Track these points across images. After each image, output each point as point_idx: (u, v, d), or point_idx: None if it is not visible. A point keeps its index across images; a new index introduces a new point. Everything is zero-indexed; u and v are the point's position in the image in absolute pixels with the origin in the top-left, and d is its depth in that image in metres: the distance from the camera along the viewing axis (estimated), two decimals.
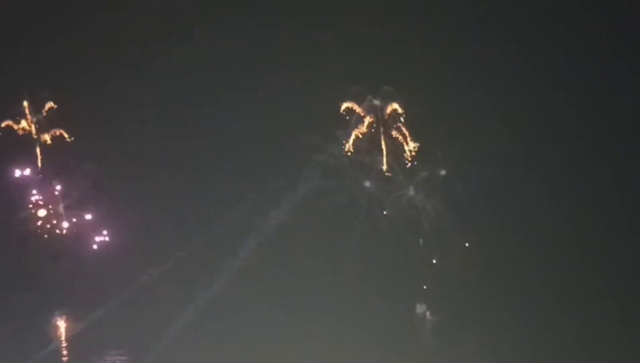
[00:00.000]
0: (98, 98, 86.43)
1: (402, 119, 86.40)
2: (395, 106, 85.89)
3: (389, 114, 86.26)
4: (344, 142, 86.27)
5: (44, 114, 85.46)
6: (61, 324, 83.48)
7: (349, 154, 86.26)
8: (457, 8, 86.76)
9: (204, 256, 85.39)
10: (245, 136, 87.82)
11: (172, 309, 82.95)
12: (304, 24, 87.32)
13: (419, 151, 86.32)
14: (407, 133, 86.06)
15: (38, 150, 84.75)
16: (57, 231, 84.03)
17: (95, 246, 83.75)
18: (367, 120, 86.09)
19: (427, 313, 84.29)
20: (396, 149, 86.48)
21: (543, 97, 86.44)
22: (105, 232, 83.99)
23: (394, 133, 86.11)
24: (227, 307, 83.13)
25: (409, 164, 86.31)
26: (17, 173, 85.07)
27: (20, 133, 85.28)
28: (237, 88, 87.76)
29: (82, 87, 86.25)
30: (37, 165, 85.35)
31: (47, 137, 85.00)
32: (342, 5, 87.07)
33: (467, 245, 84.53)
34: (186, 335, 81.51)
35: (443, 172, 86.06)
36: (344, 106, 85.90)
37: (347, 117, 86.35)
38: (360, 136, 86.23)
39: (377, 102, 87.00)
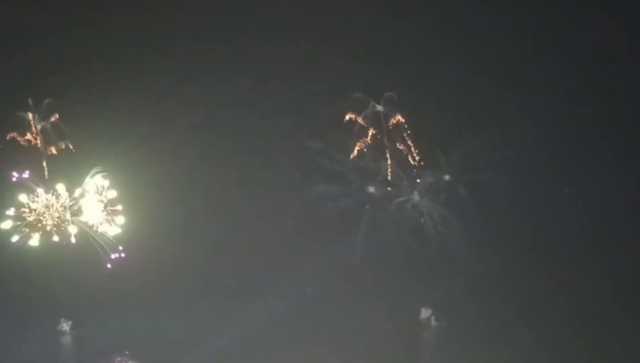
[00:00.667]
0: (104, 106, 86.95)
1: (405, 127, 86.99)
2: (399, 117, 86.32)
3: (393, 125, 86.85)
4: (349, 149, 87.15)
5: (49, 125, 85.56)
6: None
7: (353, 160, 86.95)
8: (461, 14, 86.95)
9: (209, 261, 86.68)
10: (251, 142, 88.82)
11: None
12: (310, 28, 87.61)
13: (422, 158, 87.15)
14: (410, 143, 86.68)
15: (45, 163, 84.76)
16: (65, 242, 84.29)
17: (109, 265, 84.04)
18: (371, 132, 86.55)
19: (432, 318, 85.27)
20: (400, 156, 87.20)
21: (549, 102, 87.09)
22: (120, 247, 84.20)
23: (399, 145, 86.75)
24: (232, 307, 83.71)
25: (414, 170, 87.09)
26: (24, 180, 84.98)
27: (26, 145, 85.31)
28: (242, 93, 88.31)
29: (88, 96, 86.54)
30: (44, 175, 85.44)
31: (53, 149, 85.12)
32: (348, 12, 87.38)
33: (472, 248, 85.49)
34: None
35: (447, 177, 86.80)
36: (347, 116, 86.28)
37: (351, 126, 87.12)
38: (365, 146, 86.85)
39: (379, 107, 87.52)
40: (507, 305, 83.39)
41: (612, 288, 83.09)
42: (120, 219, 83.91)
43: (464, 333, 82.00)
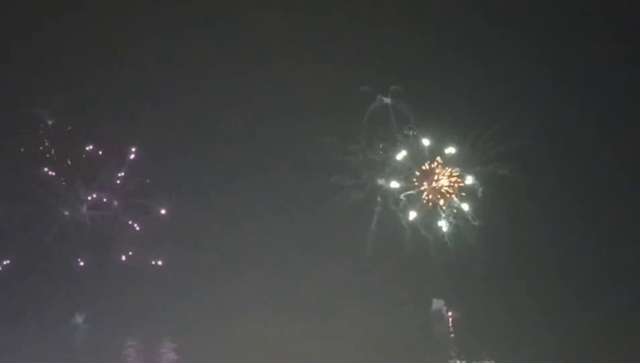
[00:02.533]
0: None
1: (414, 120, 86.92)
2: (409, 112, 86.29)
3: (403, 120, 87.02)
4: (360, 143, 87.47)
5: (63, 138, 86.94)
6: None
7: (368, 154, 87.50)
8: (469, 10, 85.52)
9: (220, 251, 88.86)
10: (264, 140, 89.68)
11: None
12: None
13: (433, 150, 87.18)
14: (420, 136, 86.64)
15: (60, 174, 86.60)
16: None
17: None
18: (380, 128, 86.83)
19: (444, 309, 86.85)
20: (410, 149, 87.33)
21: (561, 96, 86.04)
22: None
23: (408, 138, 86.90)
24: (242, 301, 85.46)
25: (423, 163, 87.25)
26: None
27: (39, 155, 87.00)
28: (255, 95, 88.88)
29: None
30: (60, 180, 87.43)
31: (67, 160, 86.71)
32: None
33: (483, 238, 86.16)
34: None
35: (458, 170, 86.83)
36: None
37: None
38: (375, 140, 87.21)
39: (387, 100, 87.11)
40: (520, 296, 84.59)
41: (629, 283, 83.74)
42: None
43: (476, 324, 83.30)
